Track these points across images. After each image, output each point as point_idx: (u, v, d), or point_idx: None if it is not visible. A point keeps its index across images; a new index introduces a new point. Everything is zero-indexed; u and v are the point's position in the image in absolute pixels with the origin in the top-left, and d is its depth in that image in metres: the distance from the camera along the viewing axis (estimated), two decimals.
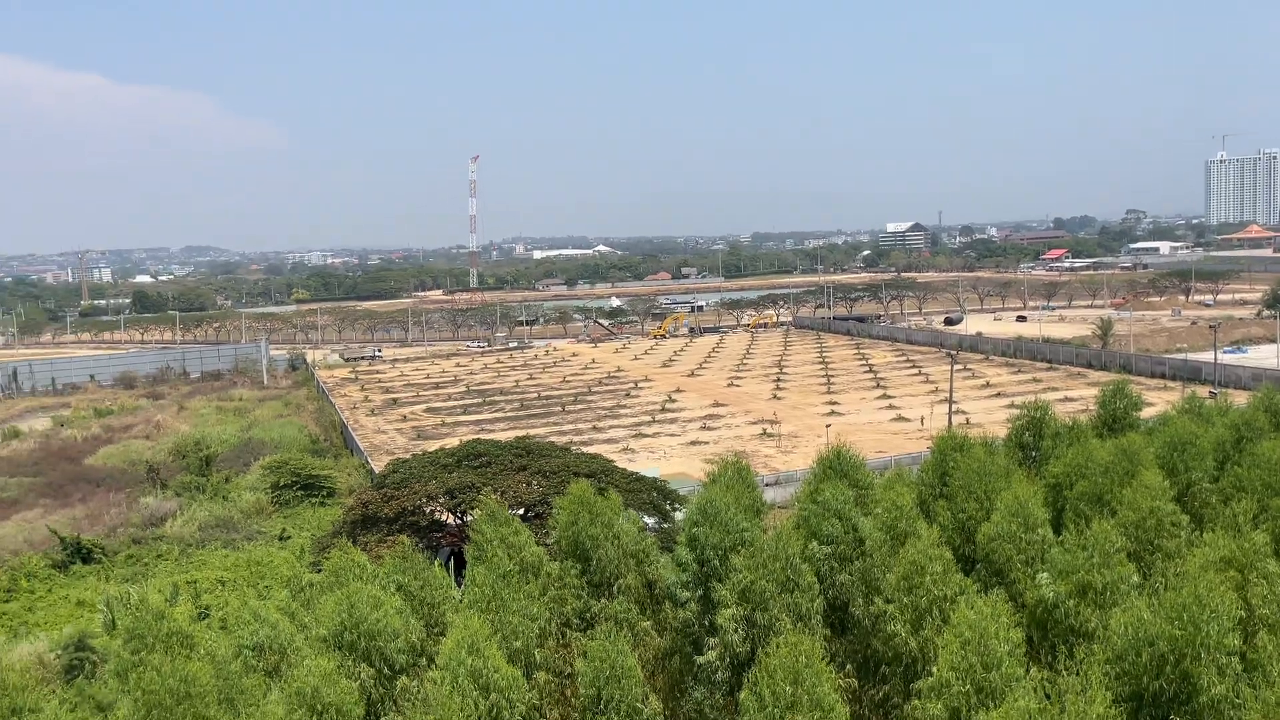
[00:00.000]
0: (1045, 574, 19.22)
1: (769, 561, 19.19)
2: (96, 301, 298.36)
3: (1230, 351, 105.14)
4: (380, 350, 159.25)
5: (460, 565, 42.46)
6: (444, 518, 46.81)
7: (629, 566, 22.96)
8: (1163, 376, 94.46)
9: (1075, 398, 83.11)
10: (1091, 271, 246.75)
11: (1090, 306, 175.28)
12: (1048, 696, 14.63)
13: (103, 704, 20.45)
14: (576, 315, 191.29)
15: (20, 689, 17.05)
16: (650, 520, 42.75)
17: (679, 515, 41.60)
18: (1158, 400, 61.55)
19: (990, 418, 74.54)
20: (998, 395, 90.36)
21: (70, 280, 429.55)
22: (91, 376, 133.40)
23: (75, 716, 14.72)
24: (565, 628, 21.99)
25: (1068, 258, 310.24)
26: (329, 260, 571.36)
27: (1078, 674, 14.41)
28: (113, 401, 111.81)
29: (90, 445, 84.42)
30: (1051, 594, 18.56)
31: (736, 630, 18.89)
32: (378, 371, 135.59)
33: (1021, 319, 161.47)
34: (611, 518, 23.37)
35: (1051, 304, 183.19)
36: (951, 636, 16.01)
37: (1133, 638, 15.59)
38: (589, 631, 20.02)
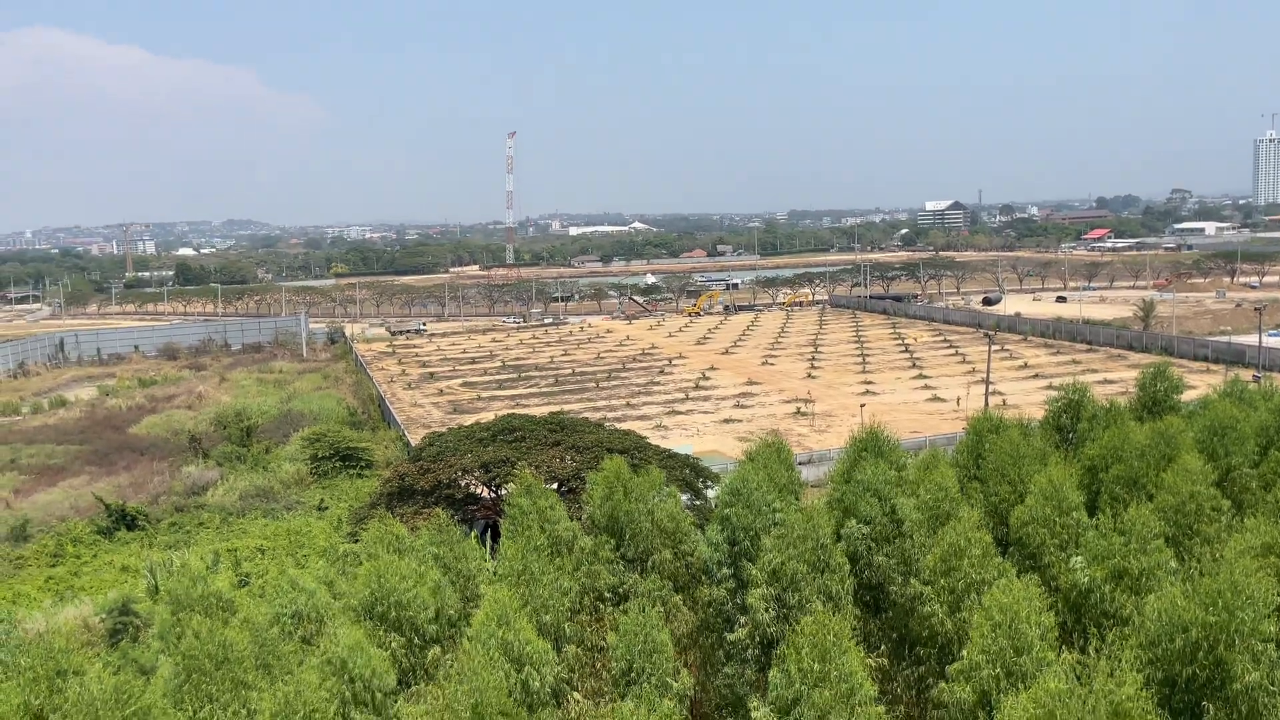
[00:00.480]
0: (1079, 558, 19.05)
1: (799, 542, 19.22)
2: (140, 274, 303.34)
3: (1276, 335, 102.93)
4: (425, 324, 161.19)
5: (495, 538, 42.93)
6: (479, 491, 47.28)
7: (664, 543, 23.10)
8: (1205, 360, 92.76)
9: (1115, 380, 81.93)
10: (1134, 252, 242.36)
11: (1132, 288, 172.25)
12: (1078, 679, 14.57)
13: (145, 667, 21.04)
14: (611, 292, 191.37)
15: (65, 651, 17.56)
16: (685, 497, 42.91)
17: (711, 493, 41.69)
18: (1200, 383, 60.45)
19: (1028, 399, 73.75)
20: (1036, 376, 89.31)
21: (115, 252, 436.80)
22: (135, 347, 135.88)
23: (118, 679, 15.14)
24: (599, 602, 22.18)
25: (1110, 237, 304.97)
26: (367, 235, 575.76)
27: (1108, 657, 14.33)
28: (156, 372, 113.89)
29: (134, 414, 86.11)
30: (1086, 578, 18.41)
31: (767, 610, 18.99)
32: (414, 346, 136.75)
33: (1061, 300, 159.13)
34: (647, 493, 23.49)
35: (1092, 285, 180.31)
36: (982, 619, 15.97)
37: (1166, 623, 15.46)
38: (621, 606, 20.19)
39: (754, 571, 19.87)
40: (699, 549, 23.37)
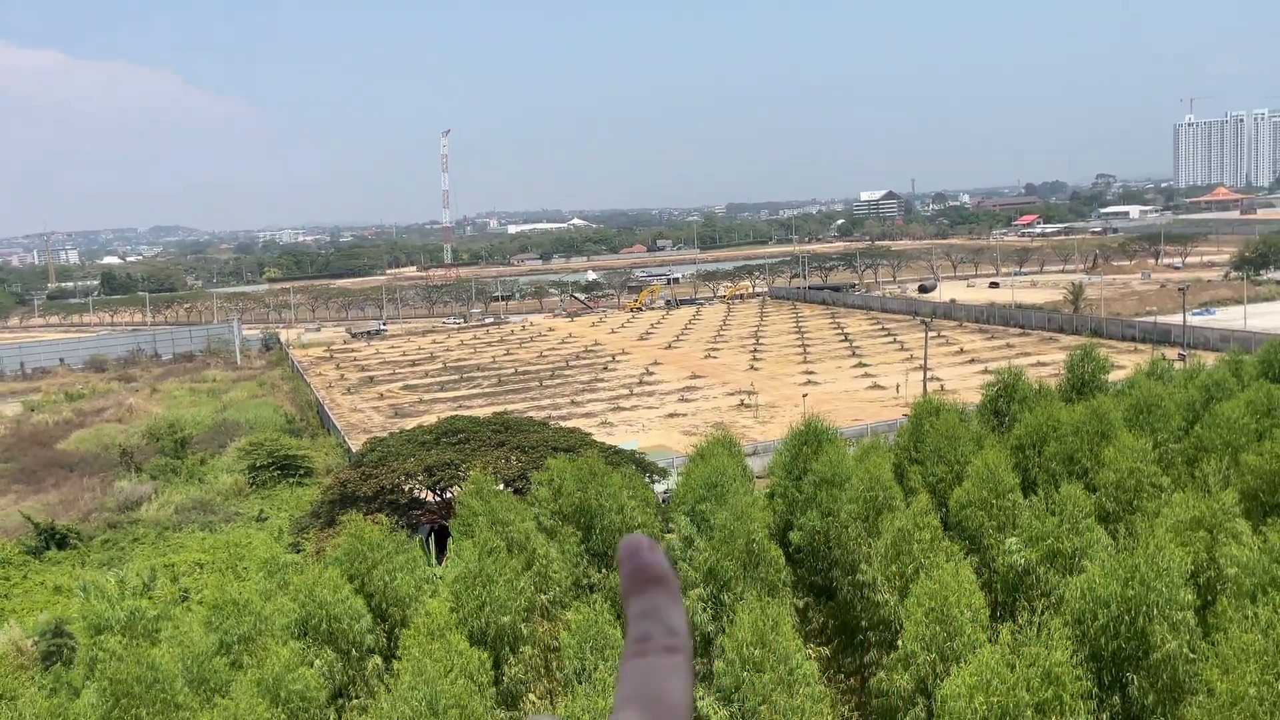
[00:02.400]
0: (1014, 540, 19.47)
1: (730, 540, 19.39)
2: (64, 284, 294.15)
3: (1199, 314, 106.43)
4: (385, 325, 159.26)
5: (441, 542, 42.50)
6: (424, 495, 46.79)
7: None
8: (1133, 340, 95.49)
9: (1048, 362, 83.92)
10: (1063, 236, 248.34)
11: (1062, 271, 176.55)
12: (1012, 651, 14.94)
13: (79, 690, 20.41)
14: (552, 289, 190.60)
15: (1, 676, 16.97)
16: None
17: (658, 487, 41.76)
18: (1128, 363, 62.20)
19: (965, 384, 75.17)
20: (972, 361, 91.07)
21: (36, 263, 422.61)
22: (61, 360, 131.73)
23: (52, 702, 14.65)
24: (552, 604, 21.99)
25: (1039, 223, 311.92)
26: (300, 238, 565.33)
27: (1039, 629, 14.70)
28: (84, 385, 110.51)
29: (62, 430, 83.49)
30: (1021, 560, 18.82)
31: (704, 610, 19.20)
32: (353, 350, 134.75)
33: (994, 285, 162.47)
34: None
35: (1023, 270, 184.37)
36: (914, 606, 16.27)
37: (1089, 600, 15.90)
38: (586, 600, 20.10)
39: (689, 572, 20.02)
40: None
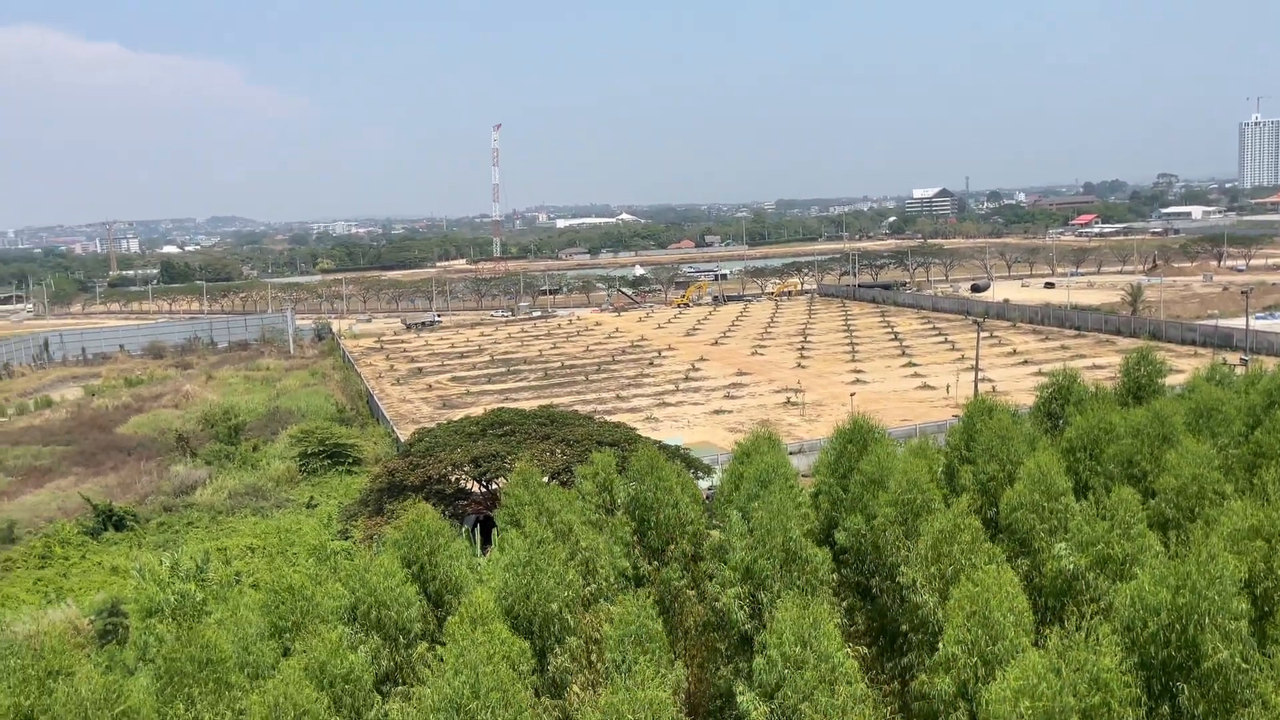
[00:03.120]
0: (1063, 545, 19.12)
1: (767, 538, 19.31)
2: (124, 272, 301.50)
3: (1263, 317, 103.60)
4: (440, 316, 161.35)
5: (485, 533, 42.87)
6: (469, 486, 47.20)
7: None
8: (1193, 343, 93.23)
9: (1103, 365, 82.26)
10: (1121, 237, 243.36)
11: (1120, 272, 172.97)
12: (1061, 658, 14.70)
13: (133, 669, 20.95)
14: (599, 284, 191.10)
15: (56, 652, 17.45)
16: None
17: (702, 484, 41.67)
18: (1186, 367, 60.72)
19: (1017, 385, 74.00)
20: (1025, 363, 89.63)
21: (98, 251, 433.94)
22: (121, 346, 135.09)
23: (108, 679, 15.06)
24: (597, 596, 21.97)
25: (1097, 223, 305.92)
26: (353, 230, 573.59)
27: (1087, 635, 14.44)
28: (142, 371, 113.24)
29: (121, 414, 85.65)
30: (1070, 565, 18.48)
31: (741, 608, 19.17)
32: (402, 341, 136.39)
33: (1049, 285, 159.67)
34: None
35: (1080, 270, 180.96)
36: (955, 610, 16.06)
37: (1139, 608, 15.58)
38: (633, 593, 20.16)
39: (726, 571, 20.00)
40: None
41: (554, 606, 18.81)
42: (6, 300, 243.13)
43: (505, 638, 16.56)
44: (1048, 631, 15.56)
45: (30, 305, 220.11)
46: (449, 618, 17.64)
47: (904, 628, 19.33)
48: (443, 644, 16.64)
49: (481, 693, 14.53)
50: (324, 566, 23.05)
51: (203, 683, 16.38)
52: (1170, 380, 34.94)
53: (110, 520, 51.81)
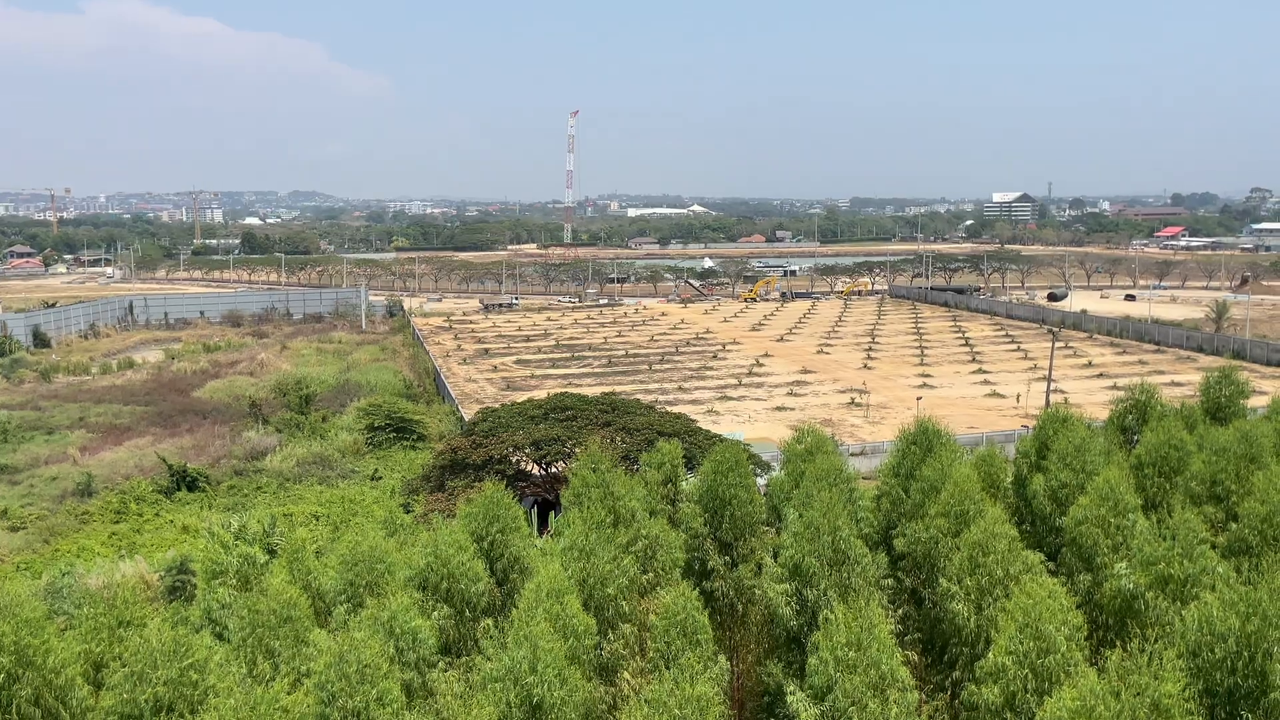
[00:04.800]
0: (1124, 564, 18.67)
1: (815, 536, 19.17)
2: (208, 241, 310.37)
3: None
4: (517, 300, 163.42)
5: (544, 516, 43.28)
6: (529, 468, 47.66)
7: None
8: (1279, 365, 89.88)
9: (1183, 382, 79.73)
10: (1209, 251, 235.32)
11: (1205, 288, 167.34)
12: (1119, 677, 14.34)
13: (199, 627, 21.69)
14: (667, 275, 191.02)
15: (127, 603, 18.13)
16: None
17: (760, 481, 41.48)
18: (1271, 389, 58.65)
19: (1090, 399, 72.16)
20: (1100, 376, 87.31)
21: (184, 219, 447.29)
22: (201, 313, 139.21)
23: (178, 632, 15.61)
24: (654, 584, 21.98)
25: (1184, 236, 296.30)
26: (428, 210, 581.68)
27: (1150, 657, 14.07)
28: (220, 338, 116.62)
29: (198, 379, 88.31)
30: (1130, 585, 18.04)
31: (788, 605, 19.08)
32: (471, 321, 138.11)
33: (1130, 298, 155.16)
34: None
35: (1163, 283, 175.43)
36: (1007, 621, 15.81)
37: (1206, 633, 15.14)
38: (684, 583, 20.17)
39: (774, 567, 19.88)
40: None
41: (609, 590, 18.91)
42: (96, 263, 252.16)
43: (576, 611, 16.77)
44: (1109, 653, 15.22)
45: (114, 269, 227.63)
46: (523, 588, 17.94)
47: (951, 638, 19.12)
48: (508, 620, 16.93)
49: (539, 668, 14.72)
50: (393, 539, 23.52)
51: (284, 636, 17.00)
52: (1253, 402, 33.78)
53: (184, 480, 53.49)
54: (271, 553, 28.87)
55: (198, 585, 27.13)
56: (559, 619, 16.54)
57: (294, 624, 17.27)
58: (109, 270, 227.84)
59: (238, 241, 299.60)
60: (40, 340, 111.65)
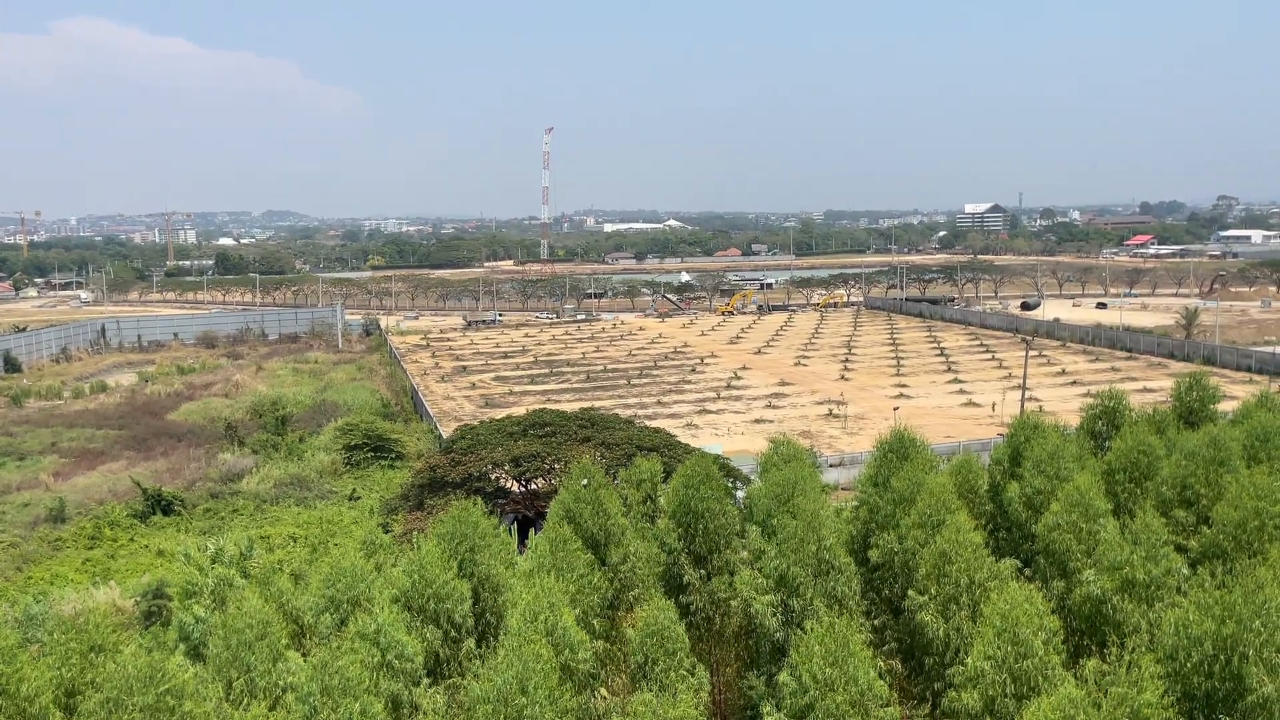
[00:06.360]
0: (1091, 570, 18.89)
1: (800, 546, 19.25)
2: (181, 262, 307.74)
3: None
4: (501, 316, 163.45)
5: (523, 533, 43.15)
6: (509, 485, 47.54)
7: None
8: (1249, 370, 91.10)
9: (1155, 388, 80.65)
10: (1178, 259, 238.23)
11: (1175, 295, 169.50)
12: (1098, 686, 14.47)
13: (172, 650, 21.50)
14: (644, 289, 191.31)
15: (100, 629, 17.93)
16: None
17: (739, 494, 41.58)
18: (1241, 394, 59.38)
19: (1065, 406, 72.83)
20: (1073, 383, 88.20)
21: (157, 240, 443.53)
22: (175, 335, 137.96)
23: (152, 658, 15.44)
24: (636, 600, 21.97)
25: (1153, 244, 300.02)
26: (404, 228, 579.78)
27: (1128, 666, 14.20)
28: (194, 359, 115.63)
29: (172, 401, 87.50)
30: (1097, 589, 18.25)
31: (774, 616, 19.08)
32: (449, 339, 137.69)
33: (1101, 306, 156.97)
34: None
35: (1134, 291, 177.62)
36: (985, 626, 15.93)
37: (1182, 637, 15.31)
38: (658, 595, 20.17)
39: (759, 579, 19.91)
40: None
41: (578, 610, 18.88)
42: (67, 286, 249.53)
43: (568, 625, 16.74)
44: (1086, 661, 15.37)
45: (85, 292, 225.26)
46: (490, 613, 17.88)
47: (920, 643, 19.22)
48: (487, 641, 16.85)
49: (530, 688, 14.67)
50: (372, 561, 23.41)
51: (259, 651, 16.89)
52: (1223, 406, 34.24)
53: (159, 504, 52.96)
54: (248, 576, 28.65)
55: (173, 606, 26.90)
56: (553, 631, 16.51)
57: (270, 641, 17.21)
58: (81, 293, 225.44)
59: (211, 262, 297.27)
60: (11, 365, 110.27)
